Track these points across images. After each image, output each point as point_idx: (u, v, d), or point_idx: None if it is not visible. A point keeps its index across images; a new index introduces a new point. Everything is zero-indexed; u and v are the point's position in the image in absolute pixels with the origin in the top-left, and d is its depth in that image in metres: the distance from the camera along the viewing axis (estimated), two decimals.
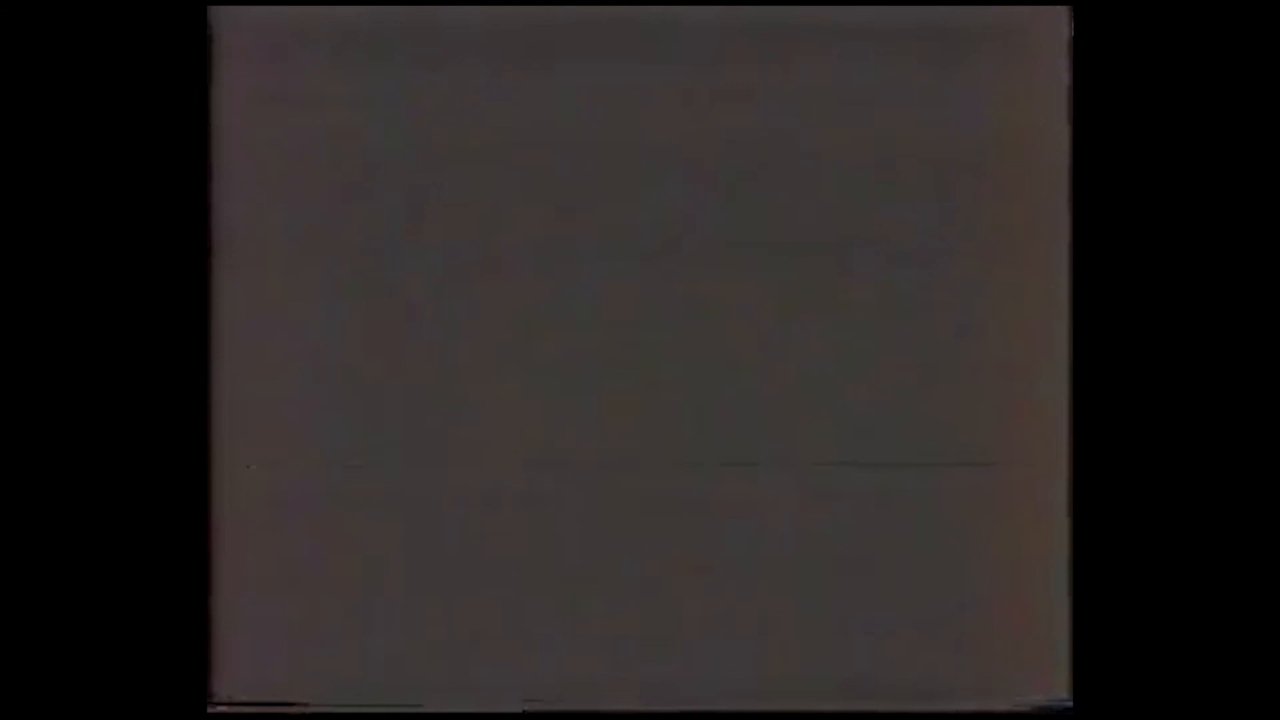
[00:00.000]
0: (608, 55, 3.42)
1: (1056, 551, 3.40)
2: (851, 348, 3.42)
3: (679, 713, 3.39)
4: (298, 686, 3.41)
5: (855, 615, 3.41)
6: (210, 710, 3.37)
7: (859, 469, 3.41)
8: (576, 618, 3.41)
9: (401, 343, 3.41)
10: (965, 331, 3.42)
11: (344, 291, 3.41)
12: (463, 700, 3.40)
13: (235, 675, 3.40)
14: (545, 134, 3.42)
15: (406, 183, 3.42)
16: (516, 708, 3.39)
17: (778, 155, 3.42)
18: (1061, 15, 3.43)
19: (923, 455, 3.41)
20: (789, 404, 3.41)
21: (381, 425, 3.41)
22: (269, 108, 3.42)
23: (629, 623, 3.41)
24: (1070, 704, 3.38)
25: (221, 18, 3.42)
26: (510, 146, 3.42)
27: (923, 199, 3.42)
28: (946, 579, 3.41)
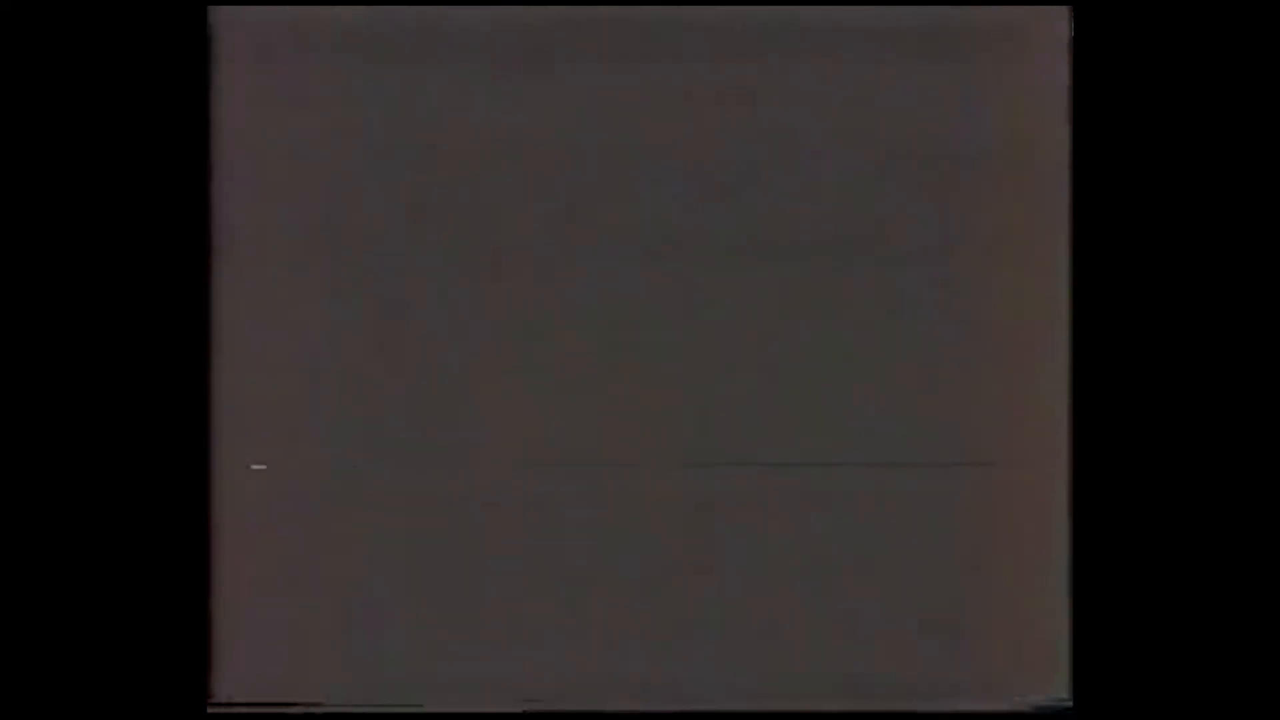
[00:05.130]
0: (607, 55, 3.43)
1: (1056, 551, 3.40)
2: (851, 348, 3.42)
3: (679, 713, 3.39)
4: (298, 686, 3.41)
5: (854, 615, 3.41)
6: (210, 710, 3.37)
7: (858, 469, 3.41)
8: (577, 618, 3.41)
9: (401, 342, 3.41)
10: (965, 331, 3.42)
11: (344, 291, 3.42)
12: (463, 700, 3.41)
13: (235, 675, 3.40)
14: (545, 133, 3.42)
15: (406, 182, 3.42)
16: (517, 708, 3.40)
17: (777, 155, 3.42)
18: (1061, 15, 3.43)
19: (922, 455, 3.41)
20: (789, 404, 3.41)
21: (381, 425, 3.41)
22: (269, 108, 3.42)
23: (630, 623, 3.41)
24: (1070, 704, 3.38)
25: (221, 18, 3.42)
26: (510, 146, 3.42)
27: (923, 199, 3.42)
28: (946, 579, 3.41)
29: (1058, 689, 3.40)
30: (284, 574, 3.40)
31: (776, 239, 3.41)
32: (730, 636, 3.41)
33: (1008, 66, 3.43)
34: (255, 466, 3.40)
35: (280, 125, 3.42)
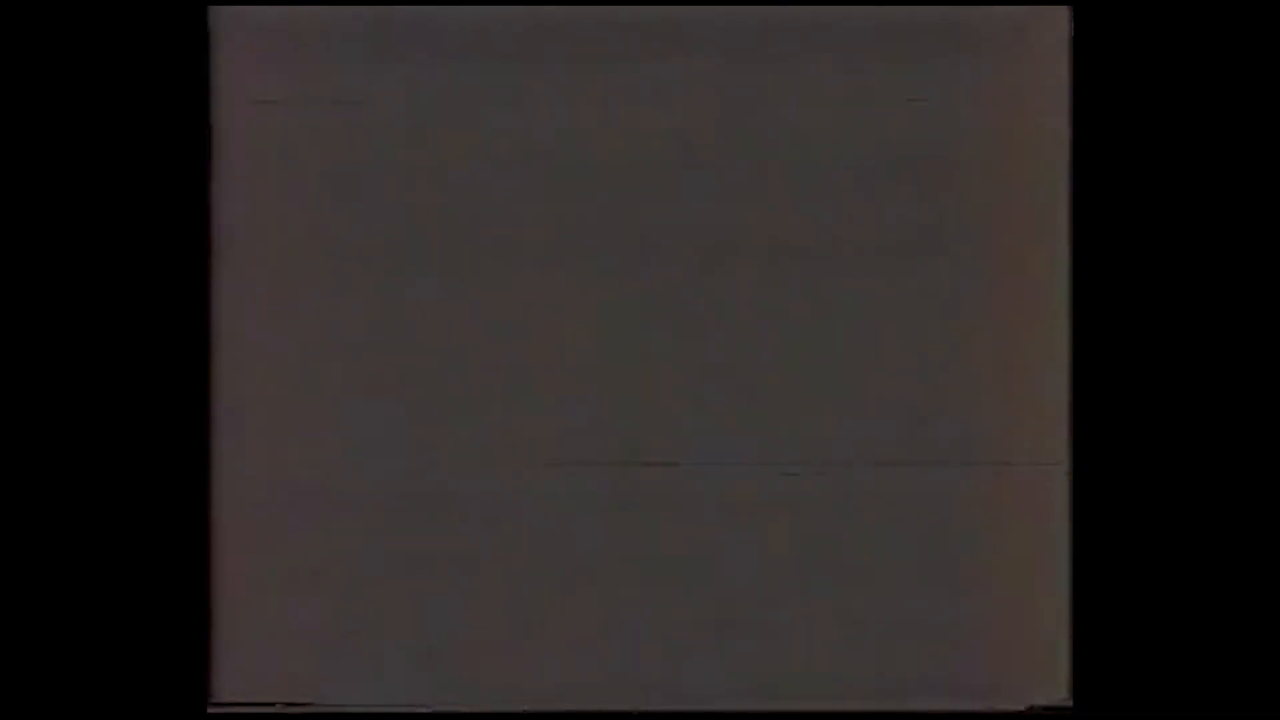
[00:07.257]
0: (607, 54, 3.42)
1: (1057, 551, 3.40)
2: (849, 347, 3.42)
3: (679, 713, 3.39)
4: (298, 686, 3.41)
5: (855, 615, 3.41)
6: (210, 710, 3.37)
7: (858, 469, 3.41)
8: (578, 618, 3.41)
9: (402, 343, 3.41)
10: (965, 331, 3.42)
11: (345, 291, 3.42)
12: (463, 700, 3.40)
13: (235, 675, 3.40)
14: (545, 133, 3.42)
15: (407, 183, 3.42)
16: (516, 707, 3.40)
17: (775, 154, 3.42)
18: (1061, 15, 3.43)
19: (922, 455, 3.41)
20: (788, 403, 3.41)
21: (382, 425, 3.41)
22: (269, 108, 3.42)
23: (630, 623, 3.41)
24: (1070, 704, 3.38)
25: (221, 18, 3.42)
26: (510, 146, 3.42)
27: (922, 199, 3.42)
28: (946, 579, 3.41)
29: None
30: (284, 574, 3.40)
31: (774, 239, 3.41)
32: (730, 637, 3.41)
33: (1008, 66, 3.43)
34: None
35: (280, 125, 3.42)
